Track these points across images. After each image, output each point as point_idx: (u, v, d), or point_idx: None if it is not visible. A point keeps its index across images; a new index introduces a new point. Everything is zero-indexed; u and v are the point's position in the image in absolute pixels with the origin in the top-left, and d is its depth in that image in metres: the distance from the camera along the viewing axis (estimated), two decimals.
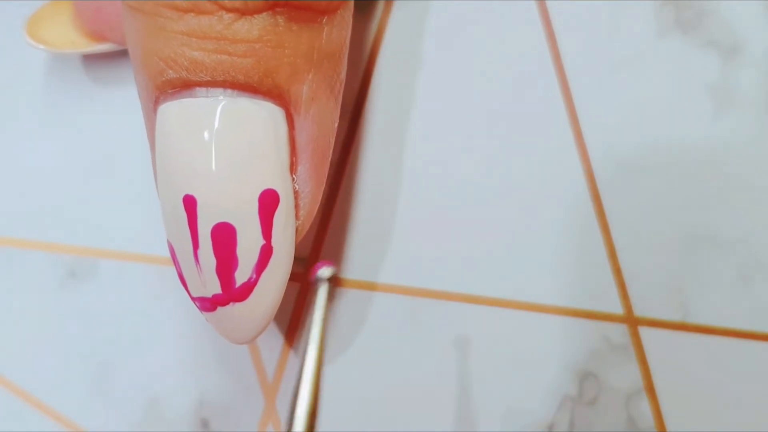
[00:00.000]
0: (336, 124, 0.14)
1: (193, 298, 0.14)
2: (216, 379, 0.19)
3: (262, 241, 0.13)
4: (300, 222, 0.14)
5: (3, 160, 0.21)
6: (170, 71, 0.12)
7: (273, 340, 0.19)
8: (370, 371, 0.18)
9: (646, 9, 0.17)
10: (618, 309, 0.17)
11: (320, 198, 0.14)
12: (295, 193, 0.14)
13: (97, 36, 0.18)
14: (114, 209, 0.19)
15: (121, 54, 0.20)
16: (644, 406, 0.17)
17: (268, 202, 0.13)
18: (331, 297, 0.14)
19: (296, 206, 0.14)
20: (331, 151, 0.14)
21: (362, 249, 0.18)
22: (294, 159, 0.13)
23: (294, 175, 0.14)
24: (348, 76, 0.18)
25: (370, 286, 0.18)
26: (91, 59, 0.20)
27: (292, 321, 0.19)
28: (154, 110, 0.13)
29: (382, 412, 0.18)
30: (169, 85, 0.13)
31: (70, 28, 0.18)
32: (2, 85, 0.21)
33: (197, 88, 0.12)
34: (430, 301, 0.18)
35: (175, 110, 0.13)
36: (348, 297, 0.18)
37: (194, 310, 0.19)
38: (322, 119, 0.13)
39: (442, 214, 0.18)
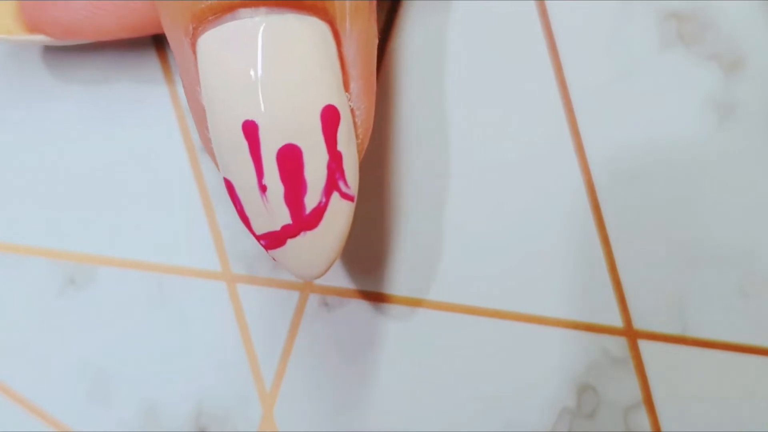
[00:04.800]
0: (377, 42, 0.14)
1: (257, 237, 0.14)
2: (214, 388, 0.19)
3: (328, 161, 0.13)
4: (359, 141, 0.14)
5: (3, 164, 0.21)
6: None
7: (271, 349, 0.19)
8: (367, 381, 0.18)
9: (649, 22, 0.17)
10: (617, 322, 0.17)
11: (373, 117, 0.14)
12: (351, 111, 0.13)
13: (33, 26, 0.17)
14: (114, 215, 0.19)
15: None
16: (643, 420, 0.17)
17: (330, 118, 0.13)
18: None
19: (353, 124, 0.13)
20: (375, 69, 0.14)
21: (361, 259, 0.18)
22: (345, 77, 0.13)
23: (348, 93, 0.13)
24: None
25: (369, 297, 0.18)
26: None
27: (291, 329, 0.19)
28: (193, 44, 0.13)
29: (377, 422, 0.18)
30: (209, 12, 0.12)
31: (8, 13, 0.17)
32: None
33: (240, 9, 0.12)
34: (428, 312, 0.18)
35: (219, 36, 0.12)
36: (346, 307, 0.18)
37: (193, 318, 0.19)
38: (367, 34, 0.13)
39: (441, 225, 0.18)
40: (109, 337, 0.19)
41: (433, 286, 0.18)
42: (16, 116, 0.20)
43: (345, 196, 0.13)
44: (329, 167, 0.13)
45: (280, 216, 0.13)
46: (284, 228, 0.13)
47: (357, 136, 0.14)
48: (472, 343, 0.17)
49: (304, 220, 0.13)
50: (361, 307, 0.18)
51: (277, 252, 0.14)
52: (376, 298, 0.18)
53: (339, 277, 0.18)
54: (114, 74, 0.20)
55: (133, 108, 0.19)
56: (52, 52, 0.20)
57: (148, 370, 0.19)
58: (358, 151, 0.14)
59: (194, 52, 0.13)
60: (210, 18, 0.12)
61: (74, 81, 0.20)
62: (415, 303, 0.18)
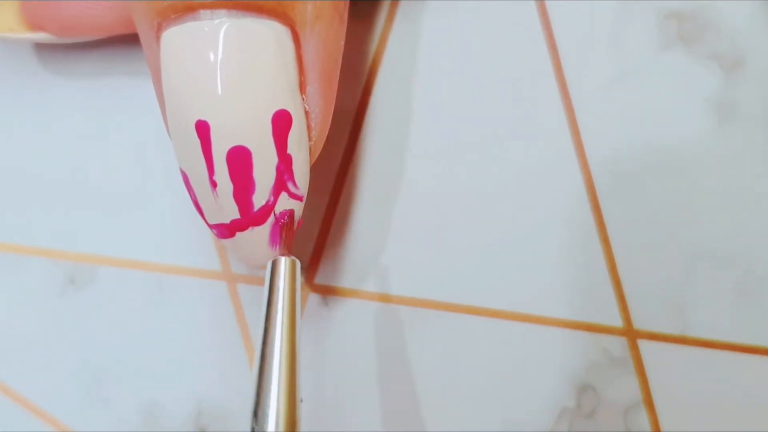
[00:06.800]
0: (342, 43, 0.14)
1: (210, 226, 0.14)
2: (214, 388, 0.19)
3: (277, 163, 0.13)
4: (312, 143, 0.14)
5: (2, 166, 0.21)
6: None
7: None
8: (367, 381, 0.18)
9: (649, 22, 0.17)
10: (617, 322, 0.17)
11: (330, 119, 0.14)
12: (306, 113, 0.14)
13: (35, 24, 0.18)
14: (114, 215, 0.19)
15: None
16: (642, 420, 0.17)
17: (282, 122, 0.13)
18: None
19: (308, 127, 0.14)
20: (338, 70, 0.14)
21: (361, 259, 0.18)
22: (302, 79, 0.13)
23: (303, 95, 0.13)
24: (349, 86, 0.18)
25: (369, 296, 0.18)
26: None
27: None
28: (157, 38, 0.13)
29: (378, 422, 0.18)
30: (171, 10, 0.12)
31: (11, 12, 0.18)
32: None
33: (201, 11, 0.12)
34: (429, 312, 0.18)
35: (179, 35, 0.12)
36: (347, 306, 0.18)
37: (193, 318, 0.19)
38: (328, 37, 0.13)
39: (442, 225, 0.18)
40: (109, 337, 0.19)
41: (433, 286, 0.18)
42: (15, 116, 0.20)
43: (293, 196, 0.14)
44: (278, 169, 0.13)
45: (229, 211, 0.13)
46: (233, 222, 0.14)
47: (310, 138, 0.14)
48: (472, 343, 0.17)
49: (252, 217, 0.14)
50: (361, 307, 0.18)
51: (228, 242, 0.14)
52: (376, 298, 0.18)
53: (339, 277, 0.18)
54: (111, 70, 0.20)
55: (132, 105, 0.19)
56: (49, 49, 0.20)
57: (148, 370, 0.19)
58: (312, 152, 0.14)
59: (159, 46, 0.13)
60: (172, 16, 0.12)
61: (71, 78, 0.20)
62: (414, 303, 0.18)
